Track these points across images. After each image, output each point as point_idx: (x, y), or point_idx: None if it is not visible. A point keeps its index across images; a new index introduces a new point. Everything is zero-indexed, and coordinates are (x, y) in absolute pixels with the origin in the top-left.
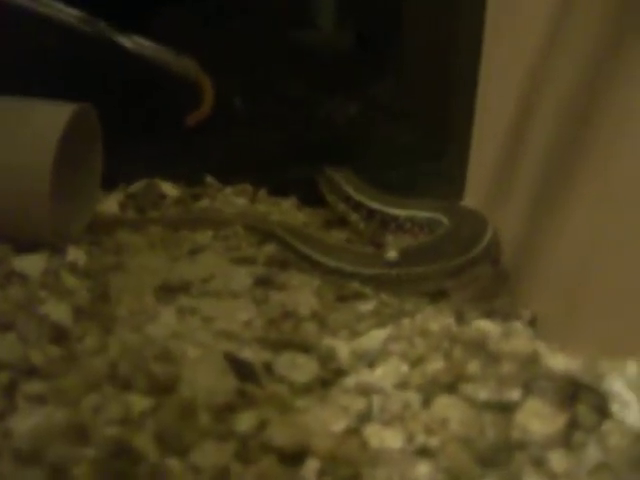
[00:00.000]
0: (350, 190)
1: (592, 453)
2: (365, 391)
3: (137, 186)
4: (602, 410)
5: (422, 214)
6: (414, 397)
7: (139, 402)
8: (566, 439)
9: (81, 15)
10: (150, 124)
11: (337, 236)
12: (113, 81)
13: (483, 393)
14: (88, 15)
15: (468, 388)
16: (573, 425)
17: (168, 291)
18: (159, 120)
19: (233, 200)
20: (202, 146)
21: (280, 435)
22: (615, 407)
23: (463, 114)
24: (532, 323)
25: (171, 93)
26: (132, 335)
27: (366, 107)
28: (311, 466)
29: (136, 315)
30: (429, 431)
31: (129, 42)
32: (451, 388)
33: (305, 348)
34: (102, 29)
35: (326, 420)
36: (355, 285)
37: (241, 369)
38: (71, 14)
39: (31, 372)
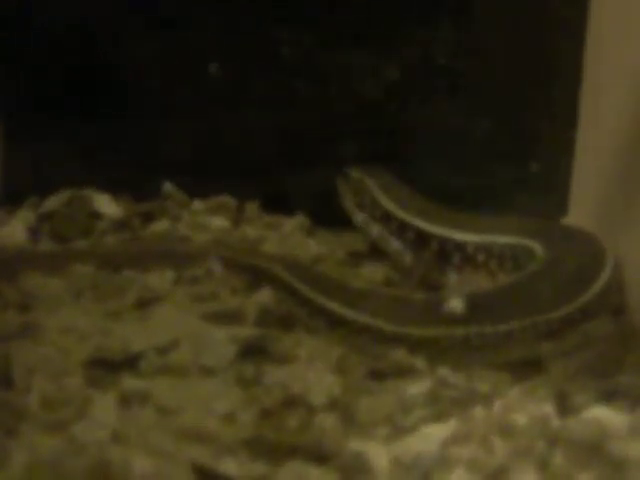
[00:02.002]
0: (389, 203)
1: None
2: None
3: (56, 200)
4: None
5: (503, 240)
6: None
7: None
8: None
9: None
10: (77, 102)
11: (369, 276)
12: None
13: None
14: None
15: None
16: None
17: (104, 367)
18: (91, 97)
19: (206, 221)
20: (158, 137)
21: None
22: None
23: (566, 85)
24: None
25: (109, 53)
26: (47, 439)
27: (414, 72)
28: None
29: (54, 407)
30: None
31: None
32: None
33: (320, 455)
34: None
35: None
36: (398, 354)
37: None
38: None
39: None
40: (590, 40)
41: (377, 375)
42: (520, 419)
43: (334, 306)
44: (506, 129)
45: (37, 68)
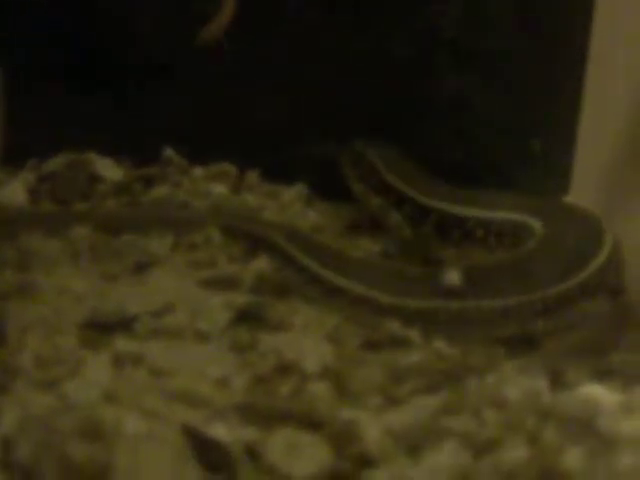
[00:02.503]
0: (390, 176)
1: None
2: None
3: (56, 163)
4: None
5: (502, 215)
6: None
7: None
8: None
9: None
10: (79, 66)
11: (367, 247)
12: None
13: None
14: None
15: None
16: None
17: (99, 329)
18: (93, 61)
19: (206, 187)
20: (160, 103)
21: None
22: None
23: (572, 63)
24: None
25: (111, 17)
26: (39, 397)
27: (419, 47)
28: None
29: (47, 366)
30: None
31: None
32: None
33: (312, 423)
34: None
35: None
36: (393, 325)
37: (209, 453)
38: None
39: None
40: (598, 17)
41: (371, 345)
42: (512, 393)
43: (331, 275)
44: (509, 106)
45: (40, 32)
